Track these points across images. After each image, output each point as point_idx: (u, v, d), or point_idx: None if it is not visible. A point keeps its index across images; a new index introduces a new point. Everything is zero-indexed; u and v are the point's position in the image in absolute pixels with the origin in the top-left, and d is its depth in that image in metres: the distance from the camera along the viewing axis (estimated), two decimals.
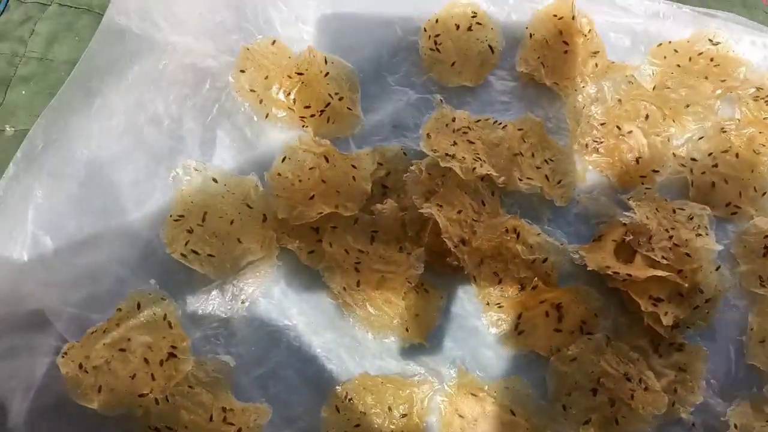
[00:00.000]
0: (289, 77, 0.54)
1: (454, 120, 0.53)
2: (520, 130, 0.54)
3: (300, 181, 0.50)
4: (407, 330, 0.48)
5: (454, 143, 0.52)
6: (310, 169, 0.50)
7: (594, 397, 0.47)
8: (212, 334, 0.48)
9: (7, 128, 0.53)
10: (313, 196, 0.49)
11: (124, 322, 0.46)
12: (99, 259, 0.48)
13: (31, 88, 0.54)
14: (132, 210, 0.50)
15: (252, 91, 0.54)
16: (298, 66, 0.54)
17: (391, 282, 0.50)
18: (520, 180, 0.52)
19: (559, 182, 0.54)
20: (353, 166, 0.51)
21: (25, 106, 0.53)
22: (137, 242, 0.49)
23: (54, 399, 0.44)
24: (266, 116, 0.54)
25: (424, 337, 0.49)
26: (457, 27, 0.56)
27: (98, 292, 0.47)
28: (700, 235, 0.50)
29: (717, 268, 0.50)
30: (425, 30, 0.56)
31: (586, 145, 0.55)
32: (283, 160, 0.51)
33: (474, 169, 0.50)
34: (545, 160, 0.54)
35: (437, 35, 0.56)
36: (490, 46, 0.56)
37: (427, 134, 0.52)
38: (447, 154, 0.50)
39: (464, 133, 0.53)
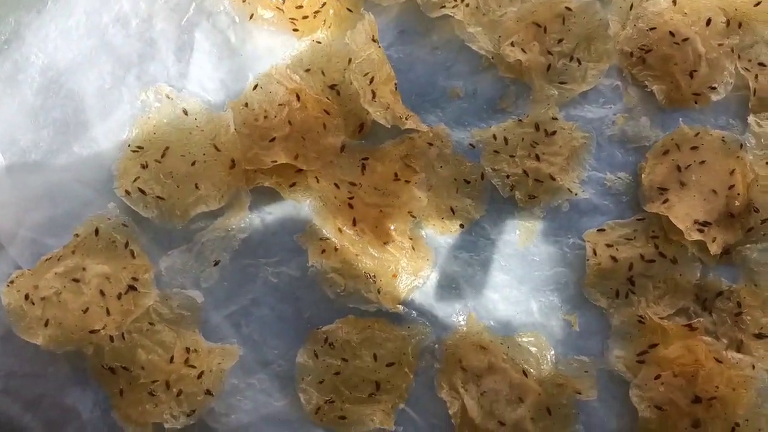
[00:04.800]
0: None
1: None
2: None
3: (265, 117, 0.43)
4: (379, 291, 0.42)
5: None
6: (279, 105, 0.43)
7: None
8: (180, 266, 0.42)
9: None
10: (274, 138, 0.42)
11: (80, 250, 0.40)
12: (58, 178, 0.44)
13: None
14: (96, 123, 0.45)
15: None
16: None
17: (391, 216, 0.43)
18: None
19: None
20: (326, 112, 0.43)
21: None
22: (102, 159, 0.44)
23: (2, 331, 0.40)
24: (251, 17, 0.46)
25: (401, 298, 0.42)
26: None
27: (57, 214, 0.43)
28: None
29: None
30: None
31: (631, 54, 0.46)
32: (254, 87, 0.44)
33: None
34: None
35: None
36: None
37: None
38: None
39: None
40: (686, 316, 0.42)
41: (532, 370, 0.41)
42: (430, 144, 0.45)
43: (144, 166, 0.42)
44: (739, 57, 0.46)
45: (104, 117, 0.45)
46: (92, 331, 0.39)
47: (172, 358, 0.40)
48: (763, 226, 0.43)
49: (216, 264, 0.42)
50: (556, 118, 0.46)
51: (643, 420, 0.39)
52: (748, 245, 0.43)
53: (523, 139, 0.45)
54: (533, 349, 0.41)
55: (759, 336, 0.41)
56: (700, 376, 0.39)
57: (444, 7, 0.46)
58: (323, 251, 0.43)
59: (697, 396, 0.39)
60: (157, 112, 0.44)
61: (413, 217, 0.43)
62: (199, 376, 0.39)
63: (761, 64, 0.46)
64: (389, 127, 0.44)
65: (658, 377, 0.40)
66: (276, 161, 0.42)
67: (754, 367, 0.39)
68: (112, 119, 0.45)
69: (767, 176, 0.44)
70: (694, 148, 0.44)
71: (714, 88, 0.46)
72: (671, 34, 0.46)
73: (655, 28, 0.46)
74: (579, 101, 0.46)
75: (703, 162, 0.44)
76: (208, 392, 0.39)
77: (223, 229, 0.43)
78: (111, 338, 0.39)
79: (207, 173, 0.43)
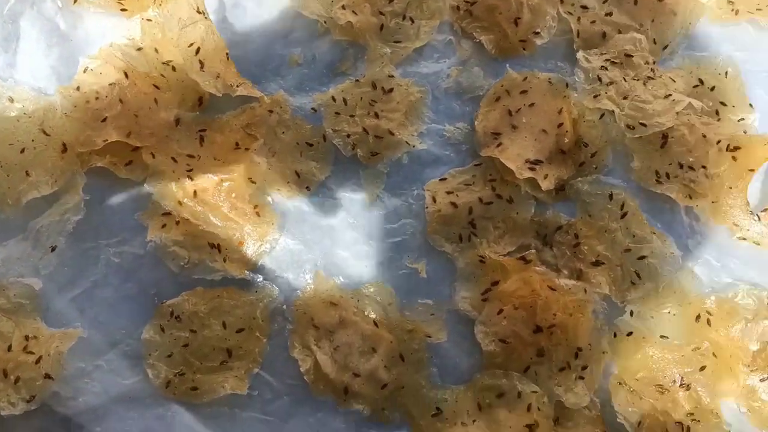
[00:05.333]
0: None
1: None
2: None
3: (97, 98, 0.43)
4: (224, 261, 0.42)
5: None
6: (109, 85, 0.43)
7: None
8: (18, 255, 0.41)
9: None
10: (106, 118, 0.42)
11: None
12: None
13: None
14: None
15: None
16: None
17: (232, 185, 0.43)
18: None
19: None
20: (156, 87, 0.43)
21: None
22: None
23: None
24: (75, 1, 0.46)
25: (249, 265, 0.42)
26: None
27: None
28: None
29: (601, 116, 0.44)
30: None
31: (458, 7, 0.47)
32: (85, 70, 0.44)
33: None
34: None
35: None
36: None
37: None
38: None
39: None
40: (527, 253, 0.43)
41: (382, 320, 0.42)
42: (270, 111, 0.45)
43: None
44: (561, 1, 0.48)
45: None
46: None
47: (10, 347, 0.39)
48: (593, 160, 0.45)
49: (53, 249, 0.41)
50: (393, 76, 0.47)
51: (488, 354, 0.41)
52: (579, 179, 0.45)
53: (361, 98, 0.46)
54: (379, 298, 0.42)
55: (595, 263, 0.43)
56: (538, 306, 0.41)
57: None
58: (164, 226, 0.42)
59: (538, 326, 0.41)
60: None
61: (253, 182, 0.43)
62: (37, 361, 0.38)
63: (583, 7, 0.48)
64: (220, 95, 0.44)
65: (500, 312, 0.41)
66: (107, 140, 0.42)
67: (586, 291, 0.41)
68: None
69: (594, 110, 0.46)
70: (523, 92, 0.46)
71: (538, 33, 0.48)
72: None
73: None
74: (414, 58, 0.48)
75: (532, 104, 0.46)
76: (48, 376, 0.38)
77: (57, 214, 0.42)
78: None
79: (38, 159, 0.42)
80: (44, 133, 0.43)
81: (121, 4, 0.46)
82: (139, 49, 0.45)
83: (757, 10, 0.49)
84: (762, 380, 0.40)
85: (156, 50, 0.45)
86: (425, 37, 0.48)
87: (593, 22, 0.48)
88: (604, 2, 0.48)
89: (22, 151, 0.42)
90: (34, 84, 0.45)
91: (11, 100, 0.43)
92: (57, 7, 0.46)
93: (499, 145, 0.45)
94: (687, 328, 0.41)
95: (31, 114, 0.43)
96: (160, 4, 0.46)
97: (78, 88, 0.44)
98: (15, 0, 0.46)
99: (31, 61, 0.46)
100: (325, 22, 0.47)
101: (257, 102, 0.45)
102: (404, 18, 0.48)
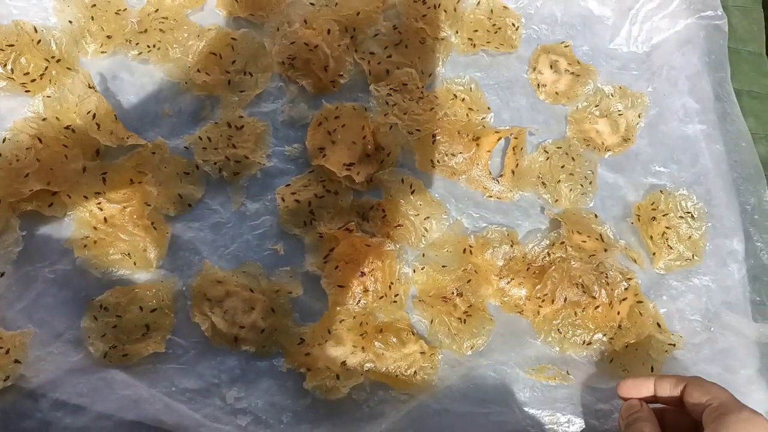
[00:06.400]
0: (1, 50, 0.60)
1: None
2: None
3: (18, 160, 0.56)
4: (135, 264, 0.58)
5: None
6: (26, 149, 0.57)
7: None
8: None
9: None
10: (28, 174, 0.56)
11: None
12: None
13: None
14: None
15: None
16: (6, 39, 0.60)
17: (133, 210, 0.59)
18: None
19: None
20: (65, 146, 0.58)
21: None
22: None
23: None
24: None
25: (153, 264, 0.58)
26: None
27: None
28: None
29: (390, 128, 0.64)
30: None
31: (284, 62, 0.66)
32: (3, 140, 0.57)
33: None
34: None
35: None
36: None
37: None
38: None
39: None
40: (348, 224, 0.62)
41: (256, 287, 0.59)
42: (153, 153, 0.62)
43: None
44: (355, 51, 0.69)
45: None
46: None
47: None
48: (389, 158, 0.64)
49: (2, 275, 0.55)
50: (242, 116, 0.64)
51: (333, 296, 0.59)
52: (381, 171, 0.64)
53: (221, 135, 0.63)
54: (253, 272, 0.60)
55: (398, 226, 0.63)
56: (360, 258, 0.60)
57: (141, 53, 0.64)
58: (85, 246, 0.58)
59: (362, 272, 0.60)
60: None
61: (149, 205, 0.59)
62: (7, 351, 0.52)
63: (371, 53, 0.69)
64: (116, 147, 0.60)
65: (336, 267, 0.60)
66: (32, 189, 0.56)
67: (389, 242, 0.61)
68: None
69: (386, 124, 0.65)
70: (336, 117, 0.65)
71: (342, 75, 0.67)
72: (306, 44, 0.67)
73: (294, 42, 0.67)
74: (256, 101, 0.66)
75: (344, 125, 0.64)
76: (17, 361, 0.52)
77: (2, 248, 0.56)
78: None
79: None
80: None
81: (25, 87, 0.61)
82: (44, 119, 0.60)
83: (487, 42, 0.71)
84: (507, 283, 0.62)
85: (57, 118, 0.60)
86: (262, 86, 0.66)
87: (379, 63, 0.68)
88: (385, 48, 0.69)
89: None
90: None
91: None
92: None
93: (324, 156, 0.63)
94: (458, 258, 0.62)
95: None
96: (56, 84, 0.61)
97: (0, 155, 0.58)
98: None
99: None
100: (186, 83, 0.65)
101: (142, 147, 0.62)
102: (245, 73, 0.66)
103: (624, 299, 0.61)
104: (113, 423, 0.52)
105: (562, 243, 0.62)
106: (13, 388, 0.52)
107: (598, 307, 0.60)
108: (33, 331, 0.54)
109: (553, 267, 0.60)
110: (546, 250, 0.62)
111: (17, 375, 0.52)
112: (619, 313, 0.60)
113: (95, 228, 0.57)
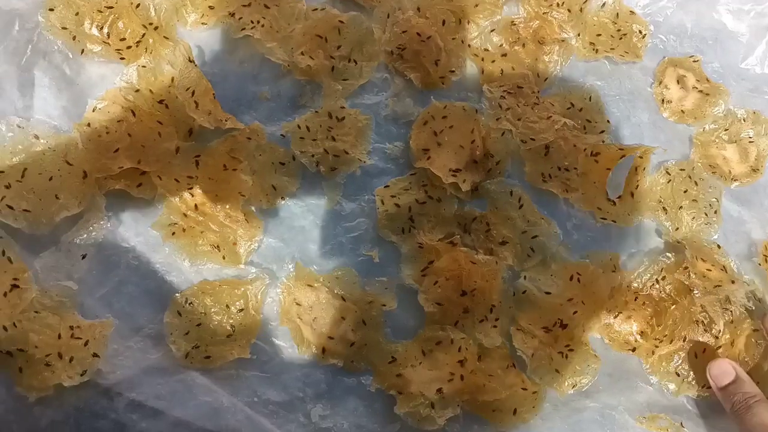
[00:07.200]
0: (100, 12, 0.56)
1: None
2: None
3: (107, 132, 0.52)
4: (224, 258, 0.53)
5: None
6: (118, 121, 0.53)
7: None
8: (53, 264, 0.51)
9: None
10: (118, 149, 0.52)
11: None
12: None
13: None
14: None
15: (64, 28, 0.55)
16: (106, 0, 0.56)
17: (225, 198, 0.54)
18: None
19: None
20: (159, 122, 0.54)
21: None
22: None
23: None
24: (82, 52, 0.55)
25: (243, 260, 0.54)
26: None
27: None
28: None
29: (502, 134, 0.58)
30: None
31: (392, 52, 0.61)
32: (94, 110, 0.53)
33: None
34: None
35: None
36: None
37: None
38: None
39: None
40: (453, 238, 0.57)
41: (348, 295, 0.55)
42: (249, 138, 0.57)
43: (8, 187, 0.50)
44: (469, 46, 0.63)
45: None
46: None
47: (59, 335, 0.49)
48: (497, 167, 0.59)
49: (84, 257, 0.52)
50: (344, 107, 0.59)
51: (429, 314, 0.54)
52: (488, 181, 0.59)
53: (320, 125, 0.59)
54: (346, 279, 0.55)
55: (502, 243, 0.58)
56: (463, 276, 0.55)
57: (244, 29, 0.59)
58: (173, 233, 0.54)
59: (464, 290, 0.55)
60: (11, 141, 0.52)
61: (243, 195, 0.55)
62: (86, 344, 0.49)
63: (486, 50, 0.63)
64: (213, 128, 0.56)
65: (435, 283, 0.55)
66: (122, 167, 0.52)
67: (497, 262, 0.56)
68: None
69: (497, 129, 0.60)
70: (444, 117, 0.60)
71: (453, 71, 0.62)
72: (418, 34, 0.61)
73: (406, 31, 0.61)
74: (359, 92, 0.60)
75: (451, 126, 0.60)
76: (95, 355, 0.48)
77: (85, 229, 0.52)
78: (5, 328, 0.47)
79: (64, 185, 0.52)
80: (67, 163, 0.52)
81: (120, 53, 0.56)
82: (137, 90, 0.56)
83: (611, 49, 0.65)
84: (614, 317, 0.57)
85: (151, 91, 0.56)
86: (367, 76, 0.61)
87: (493, 61, 0.63)
88: (500, 46, 0.64)
89: (51, 179, 0.52)
90: (51, 122, 0.54)
91: (36, 137, 0.52)
92: (65, 57, 0.56)
93: (428, 158, 0.59)
94: (564, 286, 0.57)
95: (54, 148, 0.52)
96: (152, 53, 0.57)
97: (89, 125, 0.54)
98: (30, 53, 0.55)
99: (46, 104, 0.54)
100: (287, 65, 0.60)
101: (237, 131, 0.57)
102: (350, 61, 0.61)
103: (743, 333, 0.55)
104: None
105: (686, 268, 0.56)
106: (89, 384, 0.48)
107: (720, 347, 0.54)
108: (114, 322, 0.50)
109: (675, 306, 0.55)
110: (656, 277, 0.57)
111: (94, 370, 0.48)
112: (738, 348, 0.55)
113: (185, 215, 0.53)
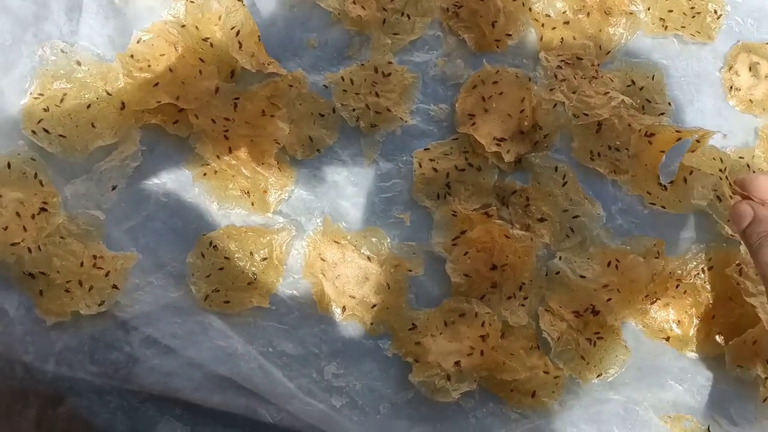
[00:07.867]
0: None
1: None
2: None
3: (149, 66, 0.51)
4: (252, 204, 0.52)
5: None
6: (161, 55, 0.52)
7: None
8: (83, 192, 0.51)
9: None
10: (158, 83, 0.51)
11: None
12: None
13: None
14: (1, 77, 0.51)
15: None
16: None
17: (260, 144, 0.53)
18: None
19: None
20: (201, 60, 0.52)
21: None
22: (8, 107, 0.51)
23: None
24: None
25: (271, 209, 0.53)
26: None
27: None
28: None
29: (554, 106, 0.55)
30: None
31: (448, 9, 0.58)
32: (138, 41, 0.52)
33: None
34: None
35: None
36: None
37: None
38: None
39: None
40: (489, 209, 0.55)
41: (374, 256, 0.53)
42: (291, 85, 0.55)
43: (46, 110, 0.50)
44: (530, 10, 0.60)
45: (7, 71, 0.51)
46: (13, 244, 0.47)
47: (82, 263, 0.49)
48: (545, 140, 0.57)
49: (114, 188, 0.51)
50: (391, 62, 0.57)
51: (455, 285, 0.53)
52: (533, 154, 0.56)
53: (365, 79, 0.57)
54: (374, 240, 0.54)
55: (541, 220, 0.55)
56: (495, 250, 0.53)
57: None
58: (204, 174, 0.53)
59: (494, 264, 0.53)
60: (54, 65, 0.52)
61: (278, 144, 0.54)
62: (107, 274, 0.48)
63: (547, 15, 0.60)
64: (255, 72, 0.54)
65: (466, 254, 0.53)
66: (160, 101, 0.52)
67: (532, 239, 0.53)
68: (15, 72, 0.51)
69: (549, 100, 0.57)
70: (495, 82, 0.57)
71: (510, 35, 0.59)
72: None
73: None
74: (409, 48, 0.58)
75: (501, 93, 0.57)
76: (115, 287, 0.48)
77: (118, 160, 0.52)
78: (29, 249, 0.48)
79: (101, 114, 0.52)
80: (107, 93, 0.52)
81: None
82: (183, 26, 0.55)
83: (681, 27, 0.61)
84: (651, 303, 0.53)
85: (197, 28, 0.55)
86: (419, 32, 0.58)
87: (554, 28, 0.59)
88: (563, 13, 0.60)
89: (89, 106, 0.51)
90: (94, 50, 0.54)
91: (78, 63, 0.52)
92: None
93: (473, 124, 0.56)
94: (600, 271, 0.54)
95: (95, 76, 0.52)
96: None
97: (132, 56, 0.53)
98: None
99: (92, 30, 0.54)
100: (338, 14, 0.57)
101: (279, 77, 0.55)
102: (402, 14, 0.58)
103: None
104: (203, 374, 0.48)
105: (738, 265, 0.52)
106: (106, 315, 0.48)
107: None
108: (137, 255, 0.50)
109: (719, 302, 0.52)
110: (702, 266, 0.54)
111: (113, 301, 0.48)
112: None
113: (218, 156, 0.52)
